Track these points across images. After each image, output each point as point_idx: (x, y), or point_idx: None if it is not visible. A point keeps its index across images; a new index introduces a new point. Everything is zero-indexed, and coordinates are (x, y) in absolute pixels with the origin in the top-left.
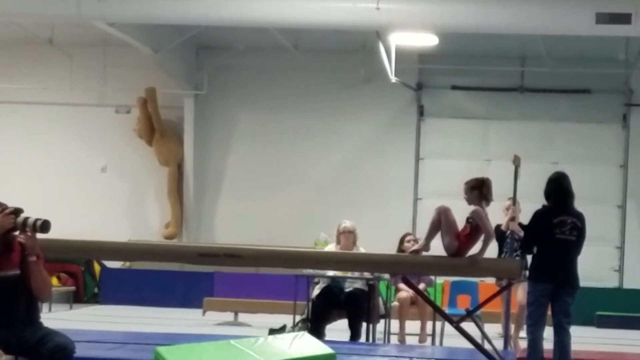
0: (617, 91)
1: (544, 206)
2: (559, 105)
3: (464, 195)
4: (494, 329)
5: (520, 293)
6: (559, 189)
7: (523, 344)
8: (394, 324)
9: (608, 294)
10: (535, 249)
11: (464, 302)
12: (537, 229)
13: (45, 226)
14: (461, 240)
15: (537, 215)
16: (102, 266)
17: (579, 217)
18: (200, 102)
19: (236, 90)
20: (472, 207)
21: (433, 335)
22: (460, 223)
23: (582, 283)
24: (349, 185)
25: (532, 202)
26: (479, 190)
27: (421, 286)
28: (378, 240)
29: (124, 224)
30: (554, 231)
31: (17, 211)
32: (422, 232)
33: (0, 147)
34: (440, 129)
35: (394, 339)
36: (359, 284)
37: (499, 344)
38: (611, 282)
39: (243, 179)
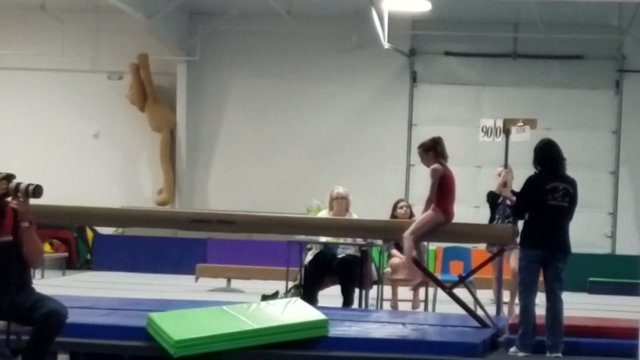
0: (610, 57)
1: (536, 172)
2: (552, 71)
3: (421, 160)
4: (486, 295)
5: (512, 260)
6: (550, 155)
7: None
8: (387, 290)
9: (600, 260)
10: (527, 215)
11: (456, 269)
12: (529, 195)
13: (37, 191)
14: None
15: (530, 182)
16: (95, 232)
17: (571, 183)
18: (192, 68)
19: (229, 56)
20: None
21: (426, 301)
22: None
23: (575, 249)
24: (342, 152)
25: (524, 169)
26: (433, 150)
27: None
28: (371, 206)
29: (116, 190)
30: (546, 197)
31: (9, 177)
32: (415, 199)
33: None
34: (433, 95)
35: (386, 305)
36: (351, 250)
37: (491, 310)
38: (603, 248)
39: (236, 145)
